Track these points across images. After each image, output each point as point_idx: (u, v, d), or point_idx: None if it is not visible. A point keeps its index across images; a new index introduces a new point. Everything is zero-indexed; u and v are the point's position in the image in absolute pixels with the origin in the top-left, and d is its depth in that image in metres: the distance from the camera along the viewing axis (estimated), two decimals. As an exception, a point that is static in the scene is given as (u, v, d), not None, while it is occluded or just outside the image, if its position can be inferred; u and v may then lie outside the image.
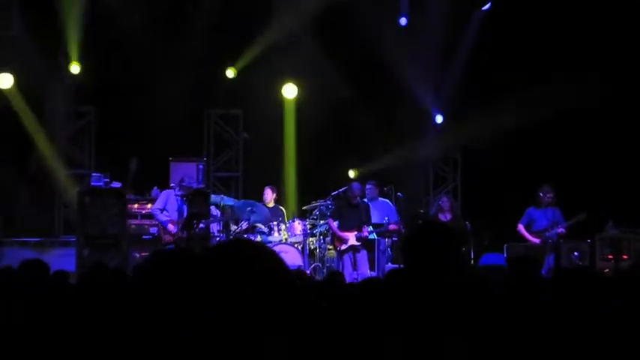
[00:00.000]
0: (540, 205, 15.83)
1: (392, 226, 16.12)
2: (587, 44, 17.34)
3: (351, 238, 15.27)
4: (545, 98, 16.98)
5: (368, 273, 15.05)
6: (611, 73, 17.07)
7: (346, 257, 15.34)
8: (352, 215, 15.47)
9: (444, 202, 16.56)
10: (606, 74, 16.92)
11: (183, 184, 15.73)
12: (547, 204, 15.78)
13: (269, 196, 17.02)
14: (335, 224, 15.57)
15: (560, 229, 15.69)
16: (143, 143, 17.51)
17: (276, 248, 15.36)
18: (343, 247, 15.38)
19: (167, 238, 15.45)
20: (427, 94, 19.07)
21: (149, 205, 16.63)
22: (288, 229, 16.58)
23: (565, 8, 17.41)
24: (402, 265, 14.54)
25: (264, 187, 17.26)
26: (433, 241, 4.17)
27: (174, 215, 15.51)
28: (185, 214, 15.54)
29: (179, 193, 15.66)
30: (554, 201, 15.78)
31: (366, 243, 15.50)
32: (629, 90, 17.32)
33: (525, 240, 15.86)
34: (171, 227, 15.38)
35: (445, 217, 16.20)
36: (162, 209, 15.60)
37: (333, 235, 15.65)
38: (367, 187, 16.58)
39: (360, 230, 15.26)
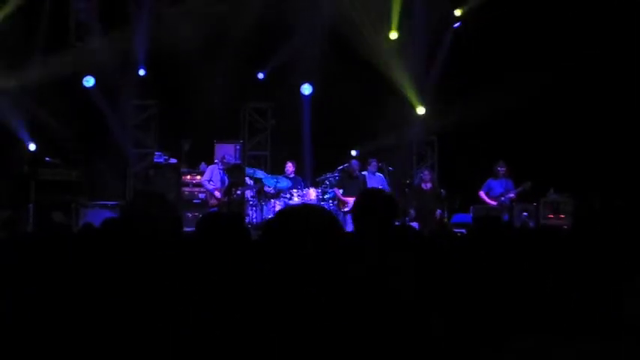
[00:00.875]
0: (497, 177, 15.97)
1: (385, 194, 16.12)
2: (534, 50, 17.37)
3: (352, 202, 15.26)
4: (499, 98, 16.92)
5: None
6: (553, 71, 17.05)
7: (349, 217, 15.38)
8: (353, 184, 15.60)
9: (426, 174, 16.68)
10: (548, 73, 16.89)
11: (225, 160, 15.91)
12: (501, 175, 15.92)
13: (290, 168, 17.05)
14: (340, 192, 15.66)
15: (511, 195, 15.83)
16: (194, 129, 17.57)
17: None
18: (346, 209, 15.50)
19: (213, 201, 15.68)
20: (412, 90, 19.09)
21: (198, 177, 16.80)
22: (304, 195, 16.62)
23: (519, 21, 17.45)
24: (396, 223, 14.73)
25: (286, 162, 17.32)
26: (370, 209, 4.28)
27: (218, 184, 15.73)
28: (226, 183, 15.69)
29: (221, 167, 15.88)
30: (507, 173, 15.92)
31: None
32: (572, 81, 17.24)
33: (485, 203, 15.99)
34: (217, 194, 15.54)
35: (426, 185, 16.33)
36: (209, 180, 15.78)
37: (339, 200, 15.74)
38: (372, 162, 16.62)
39: (358, 196, 15.31)
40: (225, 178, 15.86)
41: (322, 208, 2.90)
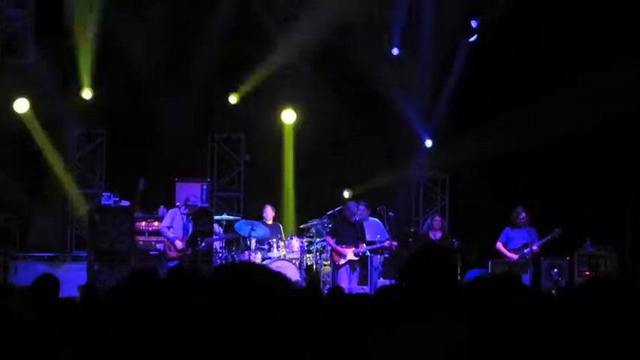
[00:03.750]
0: (515, 225, 15.87)
1: (387, 244, 16.10)
2: (565, 74, 17.26)
3: (349, 253, 15.28)
4: (525, 125, 16.87)
5: (357, 287, 15.14)
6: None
7: (342, 271, 15.34)
8: (349, 232, 15.53)
9: (437, 221, 16.62)
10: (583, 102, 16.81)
11: (189, 203, 15.76)
12: (521, 224, 15.83)
13: (269, 214, 16.98)
14: (332, 241, 15.54)
15: (534, 247, 15.72)
16: (151, 164, 17.58)
17: (275, 264, 15.50)
18: (342, 261, 15.39)
19: (172, 253, 15.58)
20: (417, 119, 19.06)
21: (156, 223, 16.73)
22: (286, 246, 16.53)
23: (543, 39, 17.46)
24: (392, 281, 14.61)
25: (263, 206, 17.21)
26: (434, 263, 4.16)
27: (180, 233, 15.63)
28: (190, 231, 15.57)
29: (184, 211, 15.75)
30: (528, 221, 15.81)
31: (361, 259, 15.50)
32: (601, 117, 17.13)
33: (504, 257, 15.90)
34: (178, 244, 15.41)
35: (435, 235, 16.29)
36: (169, 227, 15.62)
37: (332, 250, 15.58)
38: (360, 207, 16.46)
39: (357, 247, 15.28)
40: (189, 225, 15.72)
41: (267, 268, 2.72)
